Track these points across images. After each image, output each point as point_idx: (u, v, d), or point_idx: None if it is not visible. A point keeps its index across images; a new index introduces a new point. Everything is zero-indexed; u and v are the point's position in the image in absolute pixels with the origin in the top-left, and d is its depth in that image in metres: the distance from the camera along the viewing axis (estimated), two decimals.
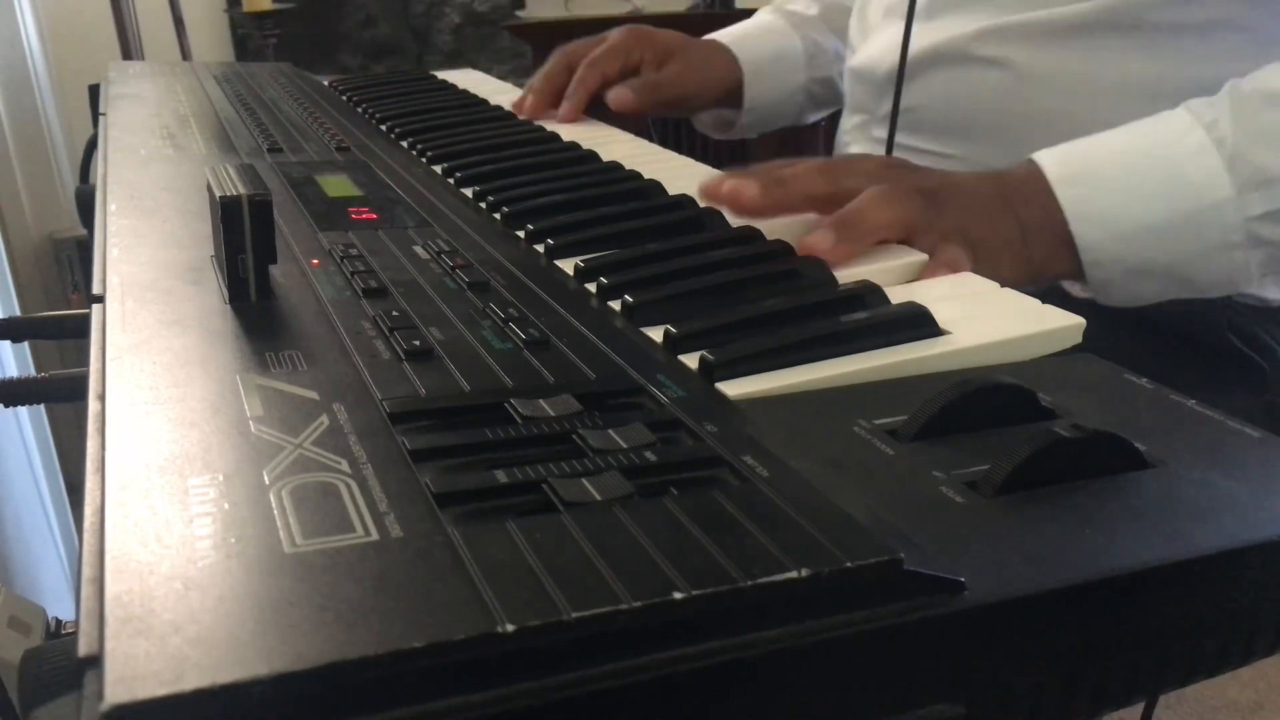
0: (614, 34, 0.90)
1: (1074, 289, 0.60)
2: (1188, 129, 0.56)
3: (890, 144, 0.76)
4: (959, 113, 0.74)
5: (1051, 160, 0.57)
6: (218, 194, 0.42)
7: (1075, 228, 0.55)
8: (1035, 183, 0.56)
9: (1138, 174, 0.56)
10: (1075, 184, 0.56)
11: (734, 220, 0.55)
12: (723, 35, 0.98)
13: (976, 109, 0.73)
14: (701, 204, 0.56)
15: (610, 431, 0.31)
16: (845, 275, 0.47)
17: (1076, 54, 0.69)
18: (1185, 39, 0.66)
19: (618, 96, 0.85)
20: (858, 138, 0.85)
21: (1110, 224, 0.55)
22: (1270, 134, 0.55)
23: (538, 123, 0.83)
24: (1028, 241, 0.55)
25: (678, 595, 0.23)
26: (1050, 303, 0.43)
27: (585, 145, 0.73)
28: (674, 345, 0.40)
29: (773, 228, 0.52)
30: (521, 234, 0.55)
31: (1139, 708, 0.88)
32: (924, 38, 0.75)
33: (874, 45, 0.82)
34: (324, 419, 0.31)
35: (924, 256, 0.50)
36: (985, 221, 0.54)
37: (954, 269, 0.49)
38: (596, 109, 0.88)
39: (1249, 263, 0.56)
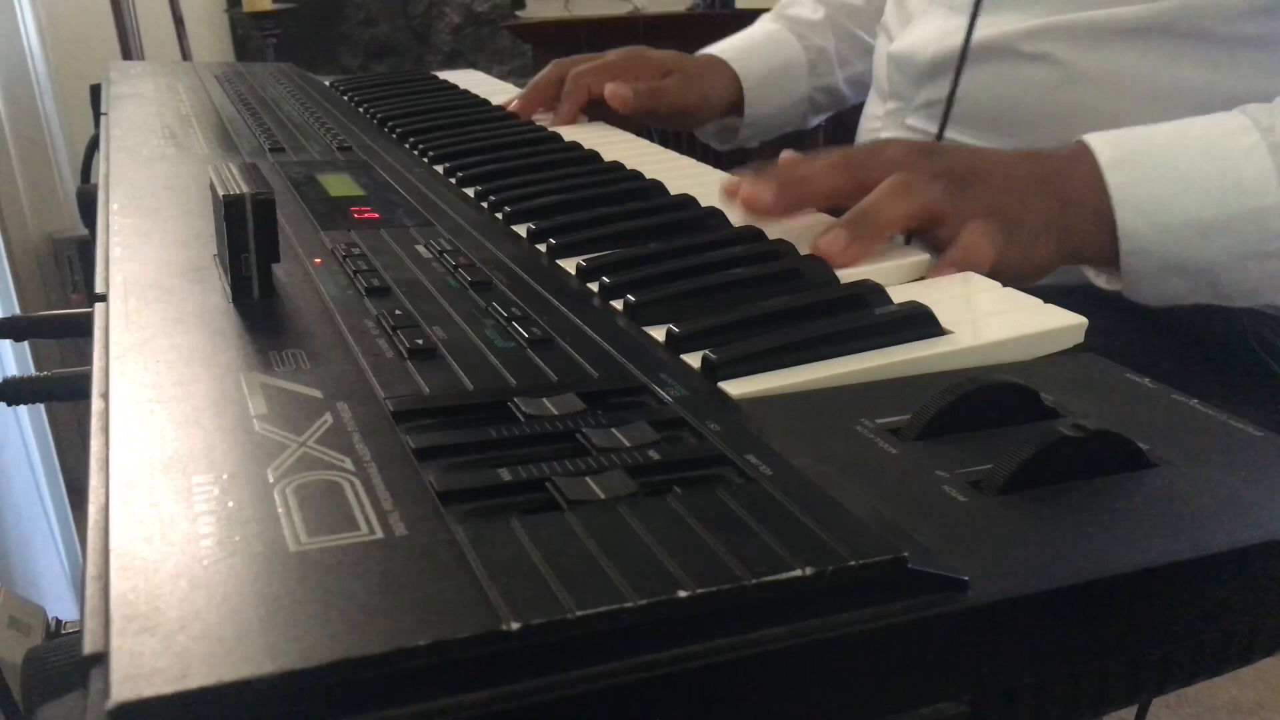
0: (609, 54, 0.90)
1: (1099, 280, 0.60)
2: (1244, 130, 0.55)
3: (941, 135, 0.76)
4: (1004, 107, 0.74)
5: (1103, 143, 0.56)
6: (221, 193, 0.42)
7: (1120, 213, 0.54)
8: (1083, 164, 0.55)
9: (1190, 168, 0.55)
10: (1126, 169, 0.55)
11: (735, 219, 0.55)
12: (723, 48, 0.97)
13: (1022, 105, 0.73)
14: (724, 206, 0.56)
15: (614, 430, 0.31)
16: (848, 274, 0.47)
17: (1128, 56, 0.68)
18: (1241, 50, 0.65)
19: (616, 91, 0.85)
20: (889, 124, 0.84)
21: (1156, 214, 0.54)
22: None
23: (538, 121, 0.83)
24: (1067, 222, 0.54)
25: (682, 593, 0.23)
26: (1063, 303, 0.43)
27: (587, 145, 0.73)
28: (676, 344, 0.40)
29: (789, 228, 0.52)
30: (523, 233, 0.55)
31: (1135, 707, 0.88)
32: (965, 30, 0.74)
33: (917, 33, 0.80)
34: (327, 417, 0.31)
35: (925, 256, 0.50)
36: (1020, 200, 0.54)
37: (973, 252, 0.48)
38: (601, 111, 0.88)
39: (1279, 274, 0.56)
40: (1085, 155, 0.56)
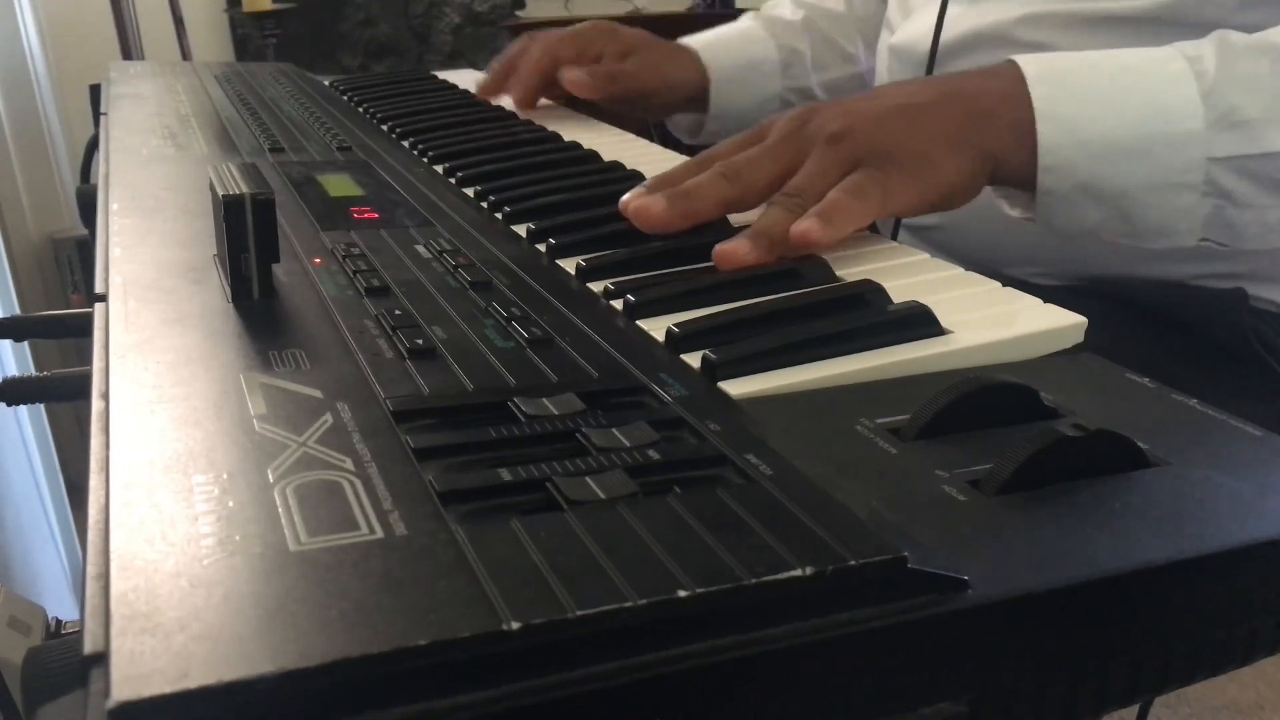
0: (578, 25, 0.90)
1: (1013, 212, 0.59)
2: (1171, 58, 0.55)
3: None
4: None
5: (1030, 60, 0.56)
6: (220, 193, 0.42)
7: (1041, 127, 0.54)
8: (1004, 78, 0.55)
9: (1114, 87, 0.55)
10: (1050, 83, 0.55)
11: (734, 220, 0.55)
12: (696, 40, 0.97)
13: None
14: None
15: (614, 430, 0.31)
16: (849, 273, 0.47)
17: (1123, 45, 0.68)
18: None
19: (573, 77, 0.85)
20: None
21: (1076, 129, 0.54)
22: (1250, 79, 0.54)
23: (537, 121, 0.83)
24: (980, 136, 0.54)
25: (682, 593, 0.23)
26: (1062, 301, 0.43)
27: (587, 145, 0.73)
28: (676, 344, 0.40)
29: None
30: (523, 233, 0.55)
31: (1136, 707, 0.88)
32: (966, 20, 0.75)
33: (916, 24, 0.81)
34: (327, 417, 0.31)
35: (924, 255, 0.50)
36: (912, 126, 0.53)
37: (851, 201, 0.48)
38: (558, 93, 0.88)
39: (1195, 211, 0.55)
40: (1008, 70, 0.56)
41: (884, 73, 0.86)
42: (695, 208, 0.52)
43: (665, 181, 0.54)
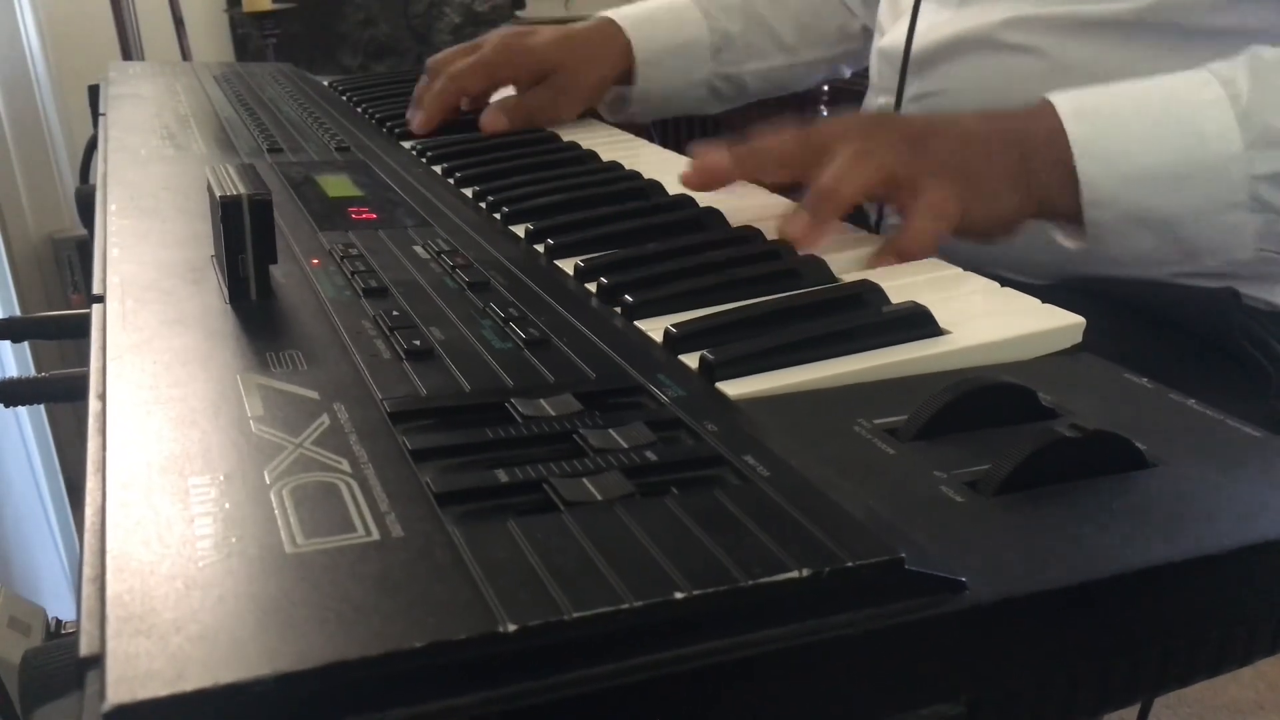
0: (486, 47, 0.85)
1: (1069, 242, 0.60)
2: (1205, 83, 0.56)
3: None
4: (987, 99, 0.74)
5: (1065, 98, 0.57)
6: (218, 194, 0.42)
7: (1080, 164, 0.55)
8: (1045, 118, 0.56)
9: (1150, 118, 0.55)
10: (1086, 120, 0.55)
11: (734, 220, 0.55)
12: (625, 13, 0.91)
13: (1004, 96, 0.72)
14: (687, 190, 0.56)
15: (611, 431, 0.31)
16: (848, 274, 0.47)
17: (1108, 46, 0.68)
18: (1224, 40, 0.65)
19: (490, 121, 0.81)
20: None
21: (1116, 163, 0.55)
22: None
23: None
24: (1030, 174, 0.55)
25: (679, 595, 0.23)
26: (1057, 300, 0.43)
27: (586, 145, 0.73)
28: (674, 345, 0.40)
29: (761, 216, 0.52)
30: (521, 234, 0.55)
31: (1136, 707, 0.88)
32: (953, 23, 0.75)
33: (902, 27, 0.81)
34: (324, 418, 0.31)
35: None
36: (981, 155, 0.54)
37: (939, 210, 0.49)
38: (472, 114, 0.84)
39: (1246, 227, 0.55)
40: (1046, 110, 0.56)
41: (874, 76, 0.86)
42: (759, 161, 0.53)
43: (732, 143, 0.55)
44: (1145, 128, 0.55)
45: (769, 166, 0.53)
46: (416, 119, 0.82)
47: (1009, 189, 0.54)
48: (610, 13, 0.90)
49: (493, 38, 0.85)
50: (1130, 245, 0.57)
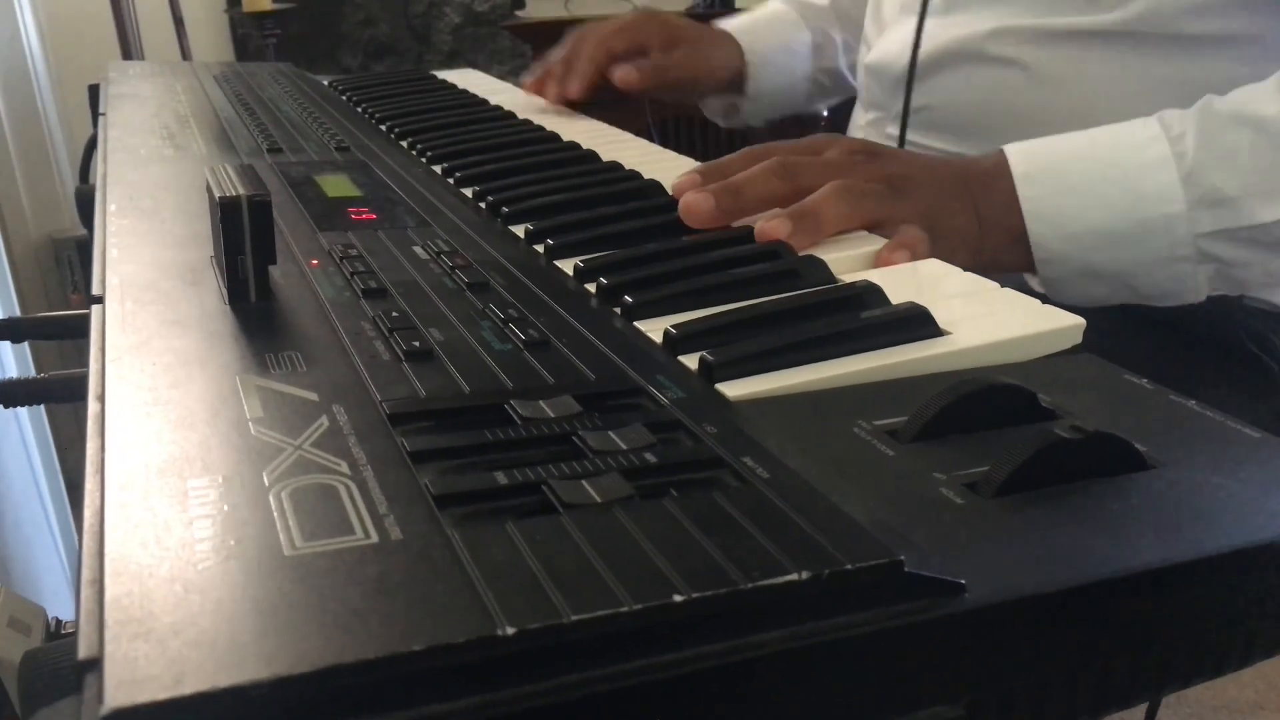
0: (625, 15, 0.92)
1: (1033, 283, 0.62)
2: (1152, 140, 0.58)
3: (901, 142, 0.77)
4: (974, 112, 0.74)
5: (1018, 155, 0.59)
6: (217, 194, 0.42)
7: (1031, 226, 0.57)
8: (1000, 175, 0.58)
9: (1096, 179, 0.58)
10: (1035, 182, 0.58)
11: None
12: (730, 24, 0.99)
13: (992, 108, 0.73)
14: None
15: (610, 433, 0.31)
16: (847, 274, 0.47)
17: (1094, 56, 0.69)
18: (1205, 48, 0.66)
19: (624, 75, 0.87)
20: (871, 134, 0.86)
21: (1062, 224, 0.57)
22: (1230, 155, 0.56)
23: (536, 121, 0.83)
24: (984, 232, 0.57)
25: (678, 597, 0.23)
26: (1050, 303, 0.43)
27: (586, 145, 0.73)
28: (674, 346, 0.40)
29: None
30: (521, 234, 0.55)
31: (1141, 709, 0.88)
32: (938, 36, 0.75)
33: (889, 42, 0.81)
34: (323, 420, 0.31)
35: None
36: (946, 207, 0.56)
37: (912, 249, 0.50)
38: (607, 85, 0.89)
39: (1196, 275, 0.58)
40: (1003, 166, 0.59)
41: (862, 91, 0.87)
42: (743, 204, 0.54)
43: (717, 170, 0.56)
44: (1090, 188, 0.58)
45: (750, 208, 0.54)
46: (572, 86, 0.88)
47: (962, 248, 0.56)
48: (718, 24, 0.98)
49: (627, 13, 0.93)
50: (1086, 293, 0.59)
